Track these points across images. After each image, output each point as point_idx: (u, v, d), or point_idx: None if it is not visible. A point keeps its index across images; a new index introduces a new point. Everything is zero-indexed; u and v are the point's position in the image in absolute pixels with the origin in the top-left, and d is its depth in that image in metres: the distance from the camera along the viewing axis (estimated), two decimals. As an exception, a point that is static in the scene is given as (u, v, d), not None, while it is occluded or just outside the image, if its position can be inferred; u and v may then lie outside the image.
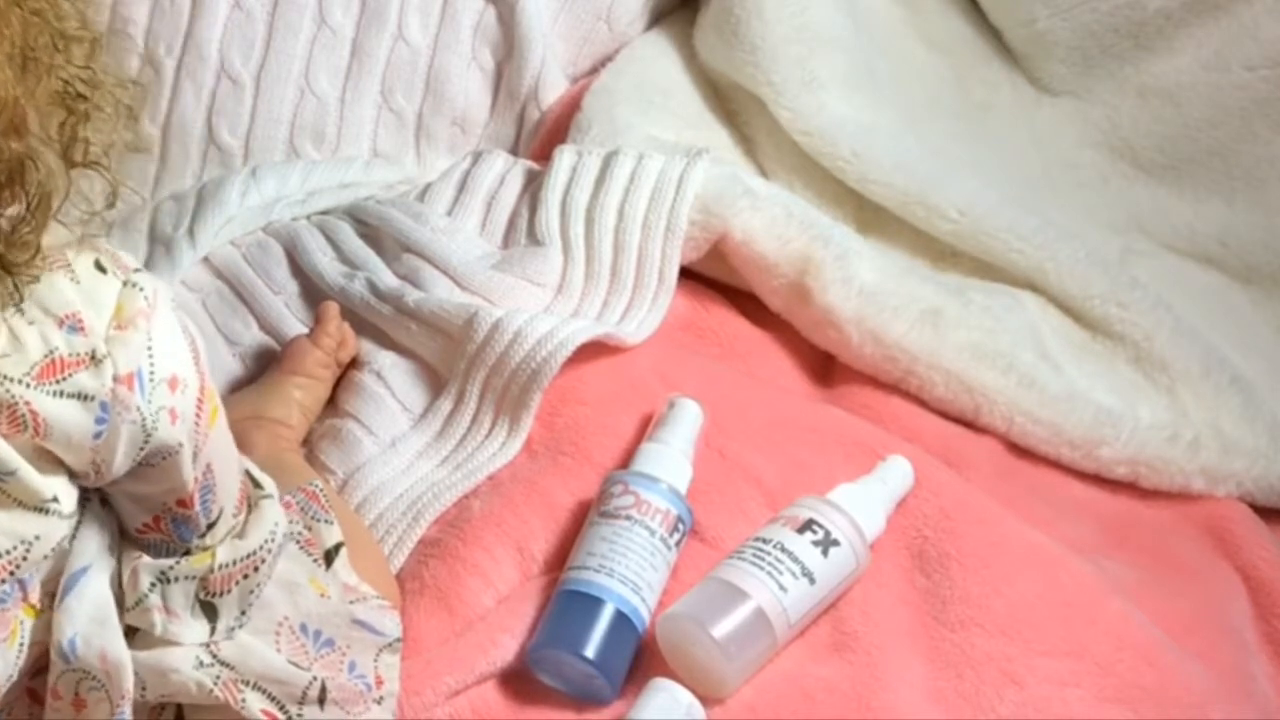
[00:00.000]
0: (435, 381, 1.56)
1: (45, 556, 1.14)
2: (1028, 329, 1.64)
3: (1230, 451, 1.60)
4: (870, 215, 1.75)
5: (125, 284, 1.11)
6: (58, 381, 1.09)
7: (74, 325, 1.09)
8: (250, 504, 1.23)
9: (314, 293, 1.65)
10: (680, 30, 1.86)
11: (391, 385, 1.56)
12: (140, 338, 1.10)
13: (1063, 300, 1.68)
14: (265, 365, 1.60)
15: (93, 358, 1.09)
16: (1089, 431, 1.59)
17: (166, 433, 1.12)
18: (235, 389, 1.60)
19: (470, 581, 1.40)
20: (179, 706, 1.23)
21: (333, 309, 1.58)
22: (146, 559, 1.19)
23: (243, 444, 1.40)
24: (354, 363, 1.59)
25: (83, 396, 1.09)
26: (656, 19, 1.89)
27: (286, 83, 1.79)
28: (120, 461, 1.12)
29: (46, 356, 1.08)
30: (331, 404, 1.57)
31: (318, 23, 1.80)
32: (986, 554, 1.43)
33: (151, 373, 1.11)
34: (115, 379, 1.09)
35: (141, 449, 1.12)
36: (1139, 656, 1.39)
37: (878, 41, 1.86)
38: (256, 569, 1.21)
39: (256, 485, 1.25)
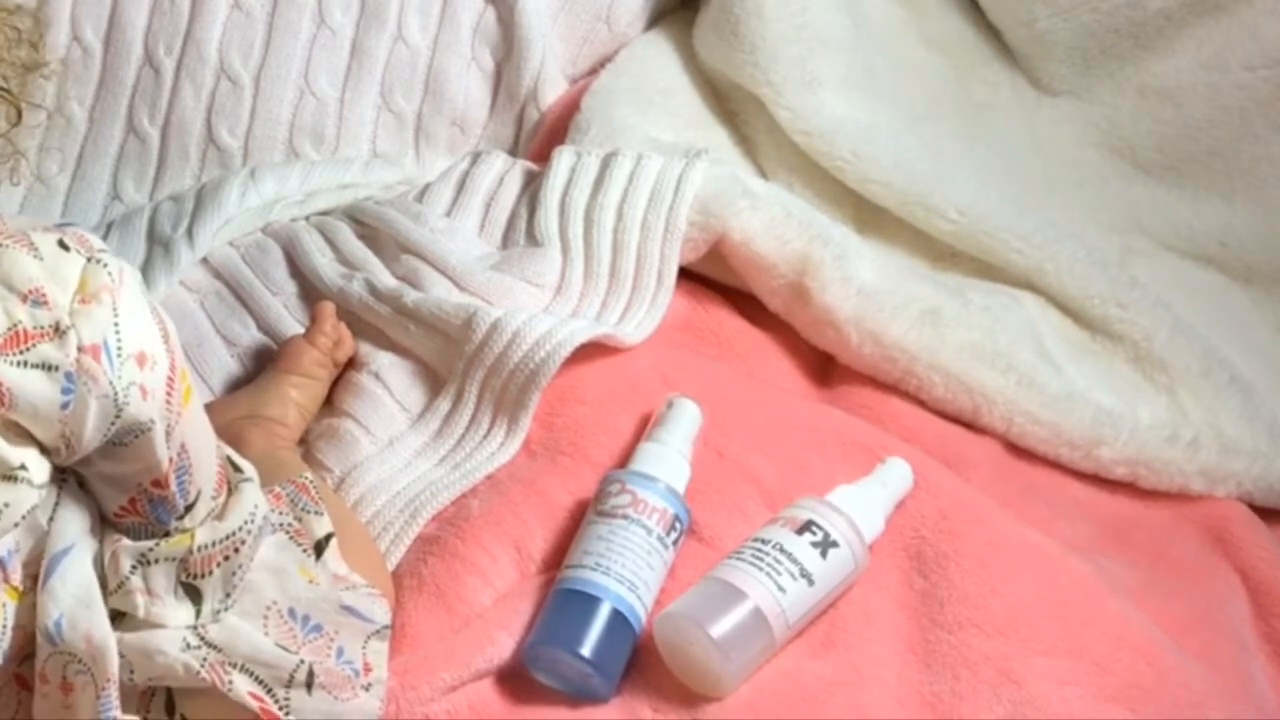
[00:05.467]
0: (434, 381, 1.56)
1: (15, 524, 1.14)
2: (1027, 329, 1.64)
3: (1229, 452, 1.60)
4: (869, 215, 1.75)
5: (89, 260, 1.12)
6: (21, 352, 1.10)
7: (37, 299, 1.10)
8: (230, 487, 1.24)
9: (313, 293, 1.65)
10: (680, 30, 1.87)
11: (389, 385, 1.56)
12: (105, 312, 1.11)
13: (1062, 300, 1.68)
14: (264, 366, 1.61)
15: (56, 329, 1.10)
16: (1088, 432, 1.59)
17: (138, 408, 1.13)
18: (233, 389, 1.60)
19: (469, 579, 1.40)
20: (169, 690, 1.23)
21: (328, 308, 1.59)
22: (126, 542, 1.20)
23: (239, 442, 1.42)
24: (352, 363, 1.59)
25: (47, 367, 1.10)
26: (656, 19, 1.90)
27: (286, 83, 1.79)
28: (90, 436, 1.13)
29: (10, 329, 1.10)
30: (329, 404, 1.57)
31: (317, 23, 1.80)
32: (985, 554, 1.43)
33: (119, 347, 1.12)
34: (80, 349, 1.10)
35: (112, 424, 1.13)
36: (1138, 656, 1.39)
37: (877, 41, 1.87)
38: (237, 550, 1.21)
39: (236, 469, 1.25)
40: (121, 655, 1.18)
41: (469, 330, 1.54)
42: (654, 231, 1.64)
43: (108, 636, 1.17)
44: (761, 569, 1.36)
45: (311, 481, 1.32)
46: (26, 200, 1.77)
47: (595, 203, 1.66)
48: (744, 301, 1.68)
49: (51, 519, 1.17)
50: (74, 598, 1.17)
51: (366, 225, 1.70)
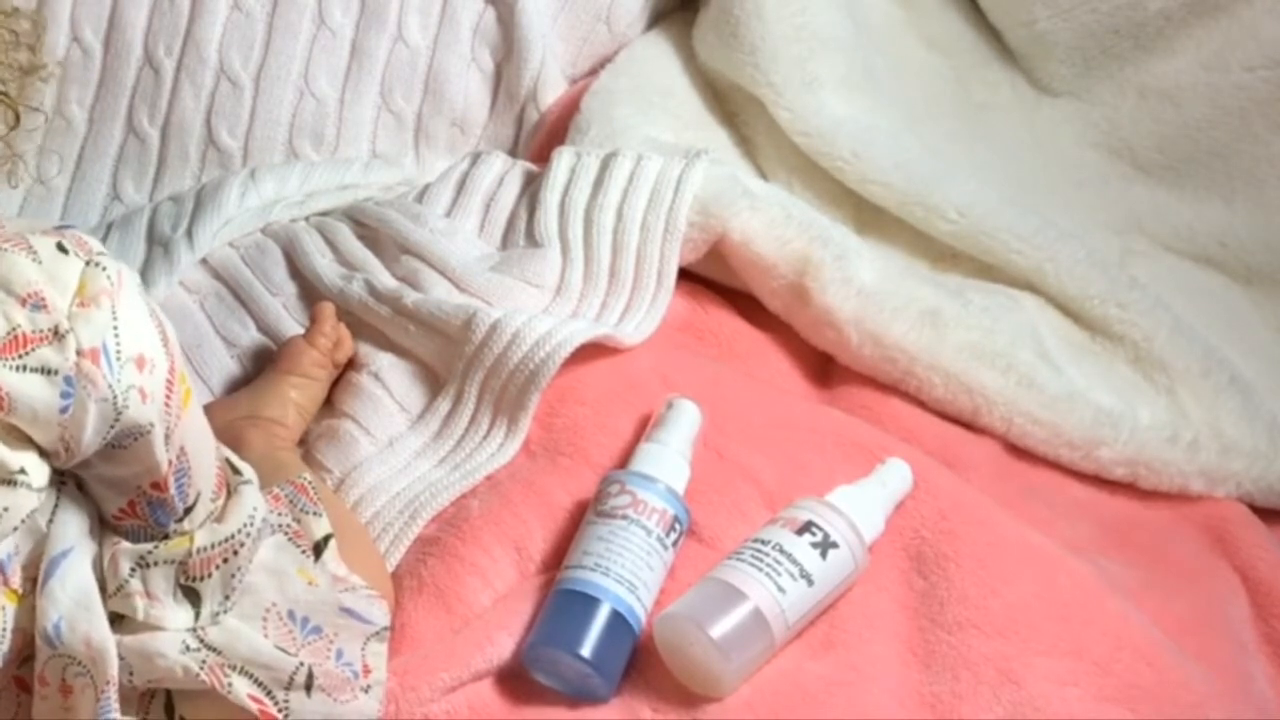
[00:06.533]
0: (433, 382, 1.56)
1: (15, 529, 1.14)
2: (1027, 329, 1.64)
3: (1229, 452, 1.59)
4: (869, 216, 1.75)
5: (88, 263, 1.12)
6: (20, 356, 1.10)
7: (37, 303, 1.10)
8: (229, 489, 1.24)
9: (312, 294, 1.65)
10: (679, 31, 1.87)
11: (389, 386, 1.56)
12: (104, 315, 1.11)
13: (1062, 301, 1.68)
14: (263, 367, 1.61)
15: (55, 333, 1.11)
16: (1088, 432, 1.58)
17: (137, 412, 1.13)
18: (233, 389, 1.60)
19: (469, 580, 1.40)
20: (168, 693, 1.23)
21: (328, 309, 1.59)
22: (125, 544, 1.20)
23: (238, 443, 1.42)
24: (352, 364, 1.59)
25: (46, 371, 1.10)
26: (656, 20, 1.89)
27: (286, 84, 1.79)
28: (90, 439, 1.13)
29: (9, 333, 1.10)
30: (329, 405, 1.57)
31: (317, 23, 1.80)
32: (984, 555, 1.43)
33: (118, 350, 1.12)
34: (79, 353, 1.11)
35: (112, 427, 1.13)
36: (1137, 656, 1.39)
37: (877, 42, 1.87)
38: (236, 553, 1.21)
39: (235, 471, 1.25)
40: (121, 657, 1.18)
41: (469, 331, 1.54)
42: (654, 232, 1.64)
43: (107, 639, 1.17)
44: (761, 569, 1.36)
45: (310, 482, 1.32)
46: (26, 201, 1.77)
47: (595, 203, 1.66)
48: (744, 302, 1.68)
49: (50, 522, 1.18)
50: (73, 600, 1.17)
51: (366, 226, 1.70)
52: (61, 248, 1.12)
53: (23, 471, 1.12)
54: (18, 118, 1.22)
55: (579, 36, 1.86)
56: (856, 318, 1.61)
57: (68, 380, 1.11)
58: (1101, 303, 1.67)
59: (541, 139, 1.82)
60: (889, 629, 1.40)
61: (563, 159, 1.70)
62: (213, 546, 1.21)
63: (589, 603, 1.34)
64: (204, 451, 1.20)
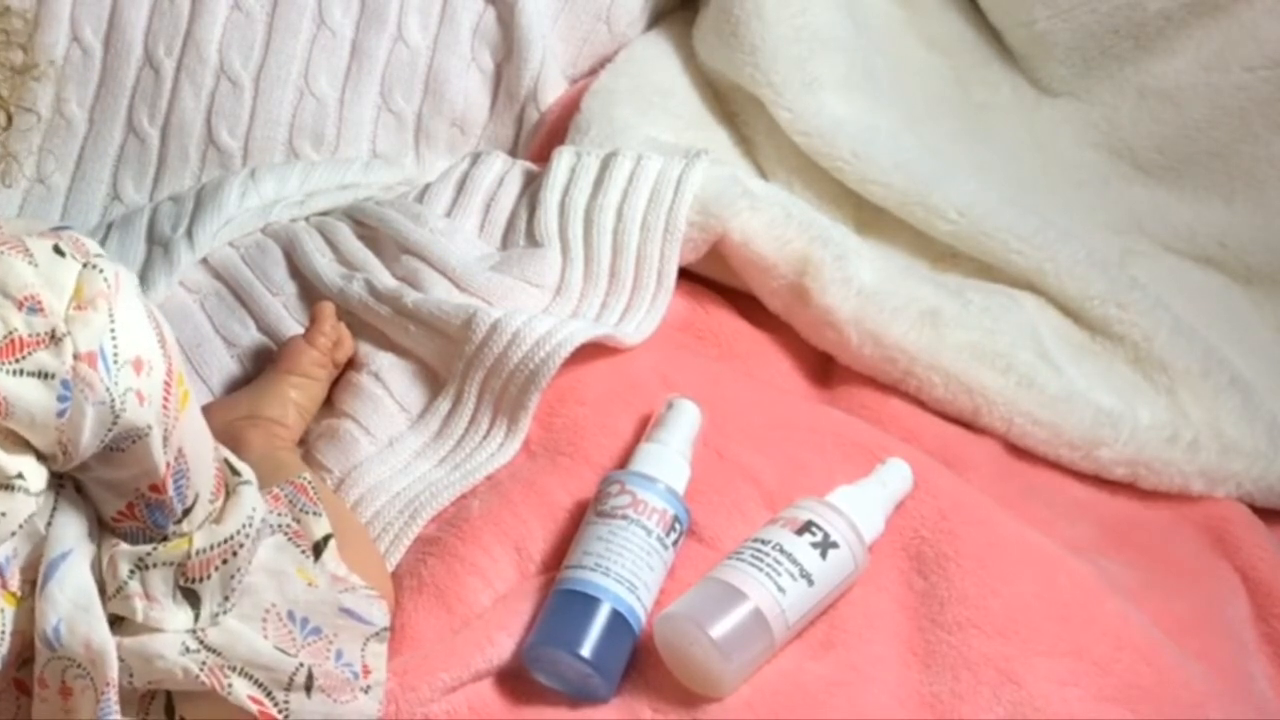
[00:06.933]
0: (433, 382, 1.56)
1: (13, 533, 1.14)
2: (1027, 329, 1.64)
3: (1229, 452, 1.59)
4: (869, 216, 1.75)
5: (85, 266, 1.12)
6: (17, 360, 1.10)
7: (33, 306, 1.10)
8: (228, 490, 1.24)
9: (312, 294, 1.65)
10: (679, 31, 1.86)
11: (389, 386, 1.56)
12: (101, 318, 1.11)
13: (1062, 301, 1.68)
14: (264, 366, 1.61)
15: (52, 337, 1.10)
16: (1088, 432, 1.58)
17: (134, 414, 1.13)
18: (233, 389, 1.60)
19: (469, 580, 1.41)
20: (168, 694, 1.23)
21: (328, 308, 1.59)
22: (124, 546, 1.20)
23: (238, 443, 1.42)
24: (352, 364, 1.59)
25: (43, 375, 1.10)
26: (656, 20, 1.89)
27: (286, 84, 1.79)
28: (88, 442, 1.13)
29: (6, 337, 1.10)
30: (329, 404, 1.57)
31: (317, 23, 1.79)
32: (984, 555, 1.43)
33: (115, 353, 1.12)
34: (76, 357, 1.11)
35: (109, 430, 1.13)
36: (1137, 656, 1.39)
37: (878, 42, 1.86)
38: (235, 554, 1.21)
39: (234, 472, 1.25)
40: (121, 659, 1.18)
41: (469, 331, 1.54)
42: (654, 232, 1.64)
43: (106, 641, 1.17)
44: (761, 570, 1.36)
45: (310, 482, 1.32)
46: (26, 201, 1.77)
47: (595, 203, 1.66)
48: (744, 302, 1.68)
49: (49, 524, 1.18)
50: (72, 603, 1.17)
51: (366, 226, 1.70)
52: (58, 250, 1.12)
53: (20, 476, 1.12)
54: (10, 118, 1.22)
55: (579, 36, 1.86)
56: (856, 318, 1.61)
57: (65, 384, 1.11)
58: (1101, 303, 1.67)
59: (541, 139, 1.82)
60: (889, 629, 1.40)
61: (563, 159, 1.70)
62: (211, 548, 1.21)
63: (589, 603, 1.34)
64: (202, 453, 1.20)
